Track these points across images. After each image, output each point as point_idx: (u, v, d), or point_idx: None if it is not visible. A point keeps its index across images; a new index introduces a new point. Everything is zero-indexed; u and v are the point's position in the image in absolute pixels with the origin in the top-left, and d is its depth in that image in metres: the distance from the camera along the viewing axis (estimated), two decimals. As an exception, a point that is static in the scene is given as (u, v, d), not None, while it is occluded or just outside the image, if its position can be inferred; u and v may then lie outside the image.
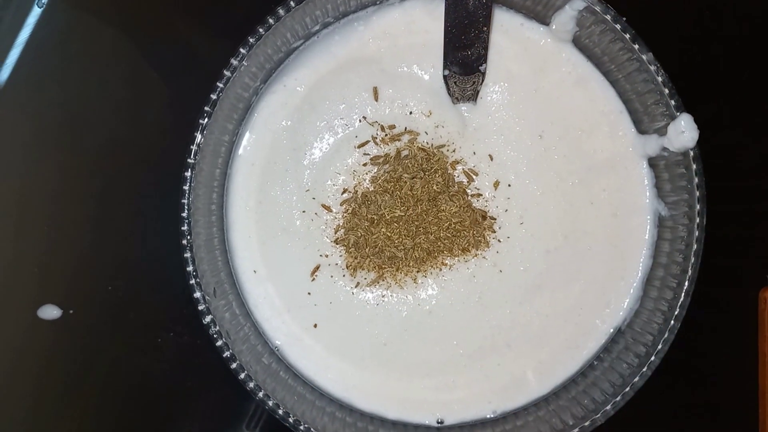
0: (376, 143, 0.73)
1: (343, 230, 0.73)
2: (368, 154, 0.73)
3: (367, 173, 0.73)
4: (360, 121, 0.73)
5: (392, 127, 0.73)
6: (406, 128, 0.73)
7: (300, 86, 0.73)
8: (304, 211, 0.73)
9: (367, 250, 0.71)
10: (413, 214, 0.71)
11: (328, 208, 0.73)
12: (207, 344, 0.69)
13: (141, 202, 0.82)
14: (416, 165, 0.71)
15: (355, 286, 0.72)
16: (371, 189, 0.72)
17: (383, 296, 0.72)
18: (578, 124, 0.71)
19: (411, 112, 0.73)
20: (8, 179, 0.81)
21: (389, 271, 0.72)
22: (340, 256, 0.73)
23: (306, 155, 0.73)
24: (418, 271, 0.72)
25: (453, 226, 0.71)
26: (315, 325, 0.73)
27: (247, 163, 0.73)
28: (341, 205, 0.73)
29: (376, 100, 0.73)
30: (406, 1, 0.72)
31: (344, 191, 0.73)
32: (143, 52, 0.83)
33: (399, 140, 0.73)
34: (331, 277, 0.73)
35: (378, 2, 0.72)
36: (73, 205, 0.83)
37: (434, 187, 0.71)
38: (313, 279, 0.73)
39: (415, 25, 0.72)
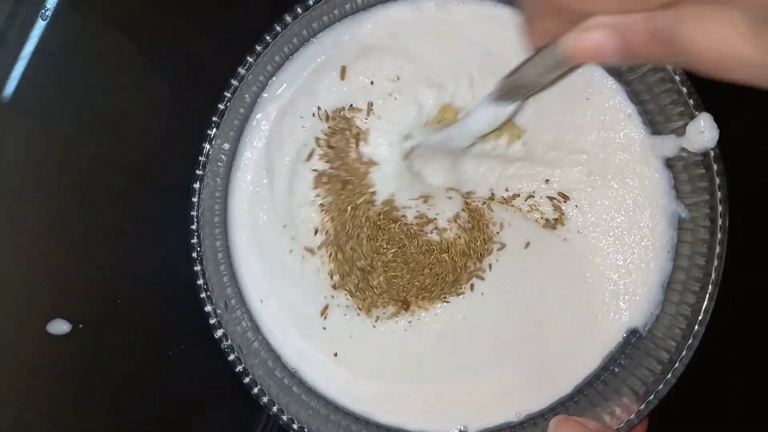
0: (319, 146, 0.57)
1: (337, 276, 0.60)
2: (316, 170, 0.56)
3: (328, 202, 0.57)
4: (314, 115, 0.57)
5: (340, 110, 0.56)
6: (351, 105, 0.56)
7: (287, 92, 0.64)
8: (291, 251, 0.62)
9: (374, 291, 0.63)
10: (407, 252, 0.58)
11: (311, 251, 0.60)
12: (218, 357, 0.68)
13: (147, 213, 0.81)
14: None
15: (376, 321, 0.66)
16: (340, 228, 0.57)
17: (405, 329, 0.67)
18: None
19: (372, 83, 0.58)
20: (13, 190, 0.81)
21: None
22: (347, 297, 0.63)
23: (274, 180, 0.59)
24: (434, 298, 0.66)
25: (459, 249, 0.64)
26: (335, 354, 0.67)
27: (242, 179, 0.63)
28: (319, 249, 0.60)
29: (342, 79, 0.57)
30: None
31: (315, 231, 0.59)
32: (148, 59, 0.82)
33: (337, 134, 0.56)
34: (345, 315, 0.65)
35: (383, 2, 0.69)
36: (79, 217, 0.82)
37: None
38: (325, 318, 0.66)
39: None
